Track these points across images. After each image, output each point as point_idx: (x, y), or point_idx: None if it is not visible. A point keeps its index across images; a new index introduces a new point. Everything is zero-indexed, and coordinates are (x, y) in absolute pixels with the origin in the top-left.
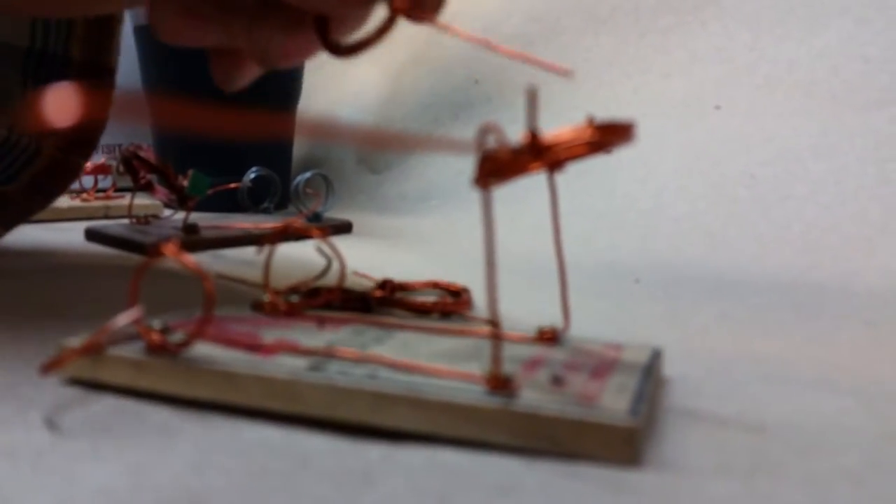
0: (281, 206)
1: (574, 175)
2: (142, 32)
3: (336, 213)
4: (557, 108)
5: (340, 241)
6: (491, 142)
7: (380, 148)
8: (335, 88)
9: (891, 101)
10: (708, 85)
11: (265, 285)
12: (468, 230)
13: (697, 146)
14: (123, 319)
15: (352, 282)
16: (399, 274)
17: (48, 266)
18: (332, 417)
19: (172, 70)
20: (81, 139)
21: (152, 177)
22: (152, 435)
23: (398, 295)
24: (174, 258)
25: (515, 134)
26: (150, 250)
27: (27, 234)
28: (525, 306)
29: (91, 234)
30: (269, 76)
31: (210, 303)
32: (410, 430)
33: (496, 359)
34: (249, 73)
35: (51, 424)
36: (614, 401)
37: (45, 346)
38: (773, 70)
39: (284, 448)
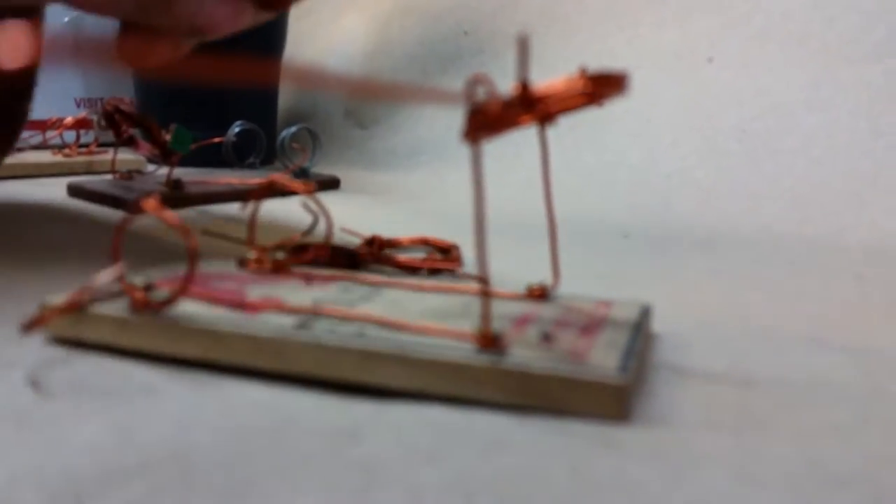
0: (266, 161)
1: (565, 130)
2: None
3: (323, 169)
4: (549, 61)
5: (328, 198)
6: (480, 94)
7: (367, 97)
8: (321, 37)
9: (886, 54)
10: (701, 36)
11: (250, 242)
12: (458, 186)
13: (689, 100)
14: (106, 277)
15: (339, 238)
16: (388, 230)
17: (30, 222)
18: (319, 375)
19: (166, 88)
20: (20, 84)
21: (135, 131)
22: (137, 394)
23: (386, 252)
24: (156, 215)
25: (506, 87)
26: (132, 206)
27: (8, 190)
28: (515, 262)
29: (74, 190)
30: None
31: (193, 259)
32: (399, 387)
33: (485, 316)
34: (161, 52)
35: (33, 384)
36: (603, 357)
37: (26, 305)
38: (767, 21)
39: (271, 406)
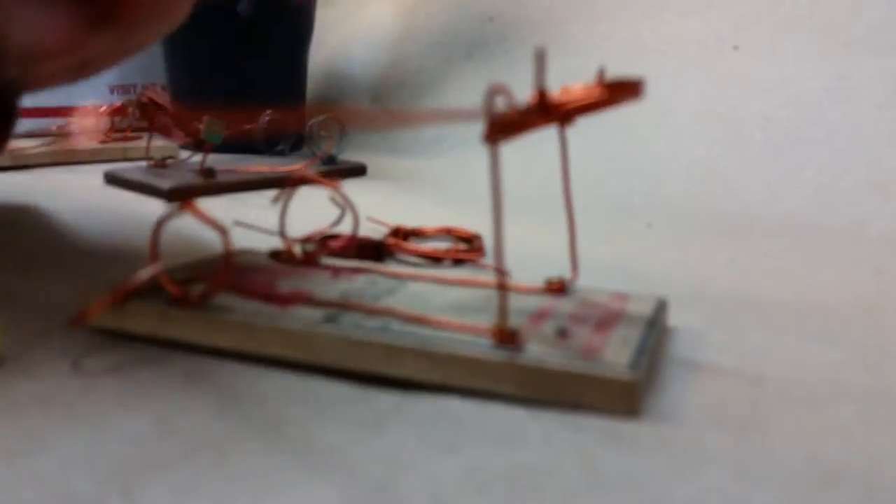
0: (295, 147)
1: (588, 118)
2: (169, 42)
3: (350, 155)
4: (575, 48)
5: (354, 184)
6: (499, 104)
7: (390, 126)
8: (348, 24)
9: None
10: (726, 24)
11: (281, 234)
12: (481, 172)
13: (714, 89)
14: (145, 274)
15: (365, 227)
16: (412, 219)
17: (70, 210)
18: (346, 367)
19: (198, 76)
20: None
21: (168, 120)
22: (176, 383)
23: (411, 241)
24: (194, 214)
25: (528, 75)
26: (170, 197)
27: (48, 178)
28: (537, 252)
29: (110, 178)
30: (278, 9)
31: (229, 257)
32: (420, 380)
33: (502, 312)
34: None
35: (78, 370)
36: (616, 354)
37: (73, 293)
38: (793, 9)
39: (301, 396)
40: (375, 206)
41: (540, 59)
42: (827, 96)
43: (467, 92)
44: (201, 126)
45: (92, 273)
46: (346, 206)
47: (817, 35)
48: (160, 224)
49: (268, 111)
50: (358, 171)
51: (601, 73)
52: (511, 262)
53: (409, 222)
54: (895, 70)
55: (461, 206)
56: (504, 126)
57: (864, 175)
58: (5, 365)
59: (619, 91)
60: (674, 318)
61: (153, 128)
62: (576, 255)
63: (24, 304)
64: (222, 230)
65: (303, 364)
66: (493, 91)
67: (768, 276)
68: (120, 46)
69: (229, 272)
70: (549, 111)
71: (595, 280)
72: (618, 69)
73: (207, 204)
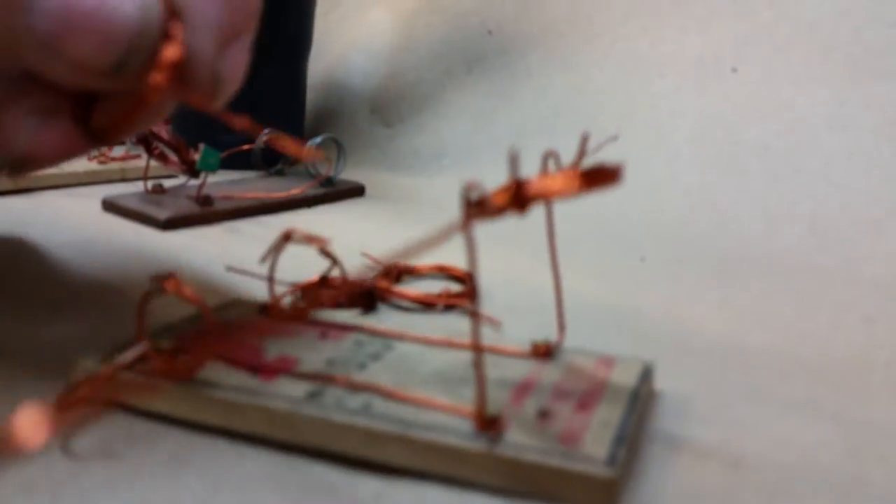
0: (294, 164)
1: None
2: None
3: (349, 169)
4: (574, 64)
5: (352, 207)
6: (475, 194)
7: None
8: (347, 31)
9: None
10: (726, 43)
11: (270, 292)
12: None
13: (712, 111)
14: (131, 354)
15: (360, 263)
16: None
17: (69, 242)
18: (329, 449)
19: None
20: None
21: (165, 149)
22: (162, 465)
23: (405, 279)
24: (176, 294)
25: (527, 90)
26: (151, 282)
27: (48, 203)
28: (532, 286)
29: (108, 206)
30: (277, 22)
31: (213, 332)
32: (402, 466)
33: (481, 399)
34: None
35: (66, 450)
36: (595, 442)
37: (66, 346)
38: (793, 30)
39: (283, 481)
40: (371, 234)
41: (513, 160)
42: (825, 124)
43: (467, 106)
44: (197, 155)
45: (90, 318)
46: (333, 261)
47: (817, 57)
48: (143, 302)
49: (266, 130)
50: (356, 191)
51: (583, 147)
52: (505, 298)
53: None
54: (892, 97)
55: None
56: (481, 213)
57: (859, 211)
58: None
59: (598, 180)
60: (660, 380)
61: (150, 155)
62: (562, 317)
63: (16, 360)
64: (206, 310)
65: (287, 444)
66: (469, 187)
67: (758, 323)
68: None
69: (213, 349)
70: (524, 202)
71: (584, 326)
72: (616, 88)
73: (203, 233)
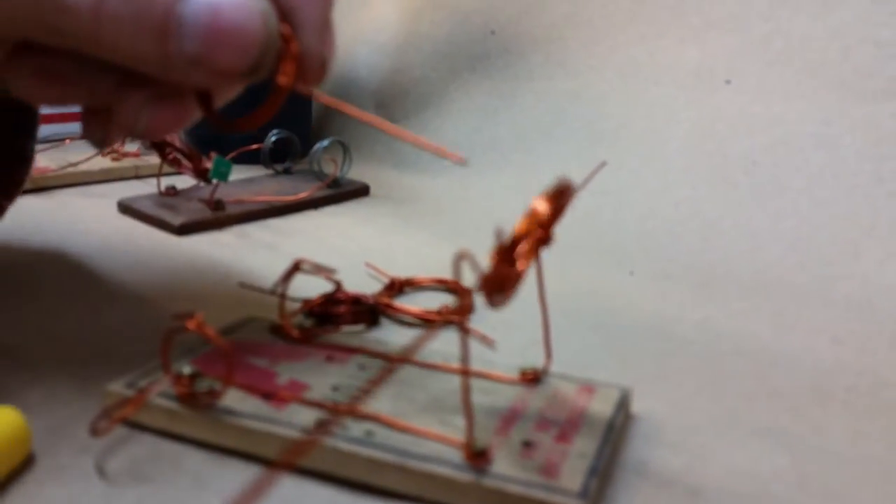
0: (302, 158)
1: (585, 144)
2: None
3: (354, 167)
4: (573, 68)
5: (357, 209)
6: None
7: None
8: (352, 24)
9: None
10: (721, 55)
11: (281, 315)
12: (481, 196)
13: (704, 123)
14: (156, 388)
15: (364, 274)
16: (410, 253)
17: (90, 247)
18: (335, 474)
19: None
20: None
21: (178, 155)
22: (186, 485)
23: (406, 292)
24: (198, 332)
25: (528, 92)
26: (174, 320)
27: (65, 203)
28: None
29: (123, 208)
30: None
31: (229, 372)
32: (400, 492)
33: (469, 437)
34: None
35: (102, 472)
36: (571, 475)
37: (94, 364)
38: (785, 45)
39: (294, 502)
40: (375, 240)
41: (498, 235)
42: (811, 141)
43: (470, 104)
44: (209, 164)
45: (115, 332)
46: (338, 287)
47: (807, 74)
48: (168, 338)
49: (274, 130)
50: (361, 192)
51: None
52: (500, 313)
53: (407, 260)
54: (878, 118)
55: (459, 234)
56: (498, 285)
57: (838, 230)
58: (34, 466)
59: (560, 200)
60: (637, 402)
61: (164, 161)
62: (549, 344)
63: (49, 380)
64: (226, 350)
65: (298, 468)
66: (459, 257)
67: (735, 346)
68: None
69: (231, 375)
70: (513, 259)
71: (573, 344)
72: (614, 94)
73: (216, 238)
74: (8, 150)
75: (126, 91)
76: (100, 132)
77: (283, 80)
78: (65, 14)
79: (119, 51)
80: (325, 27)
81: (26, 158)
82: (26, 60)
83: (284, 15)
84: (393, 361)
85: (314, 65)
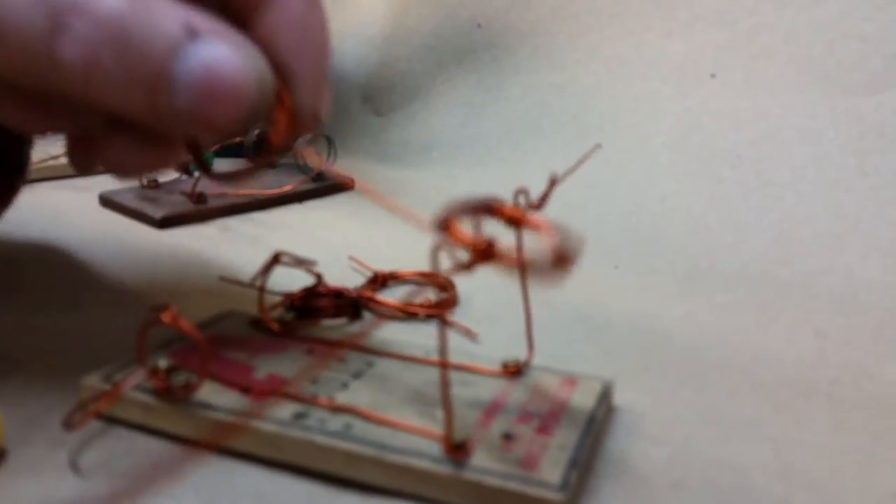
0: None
1: (573, 136)
2: None
3: (340, 158)
4: (559, 61)
5: (341, 200)
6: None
7: None
8: (339, 19)
9: (881, 88)
10: (707, 49)
11: (260, 309)
12: (467, 190)
13: (690, 117)
14: (132, 381)
15: (347, 267)
16: (395, 246)
17: (71, 240)
18: (312, 468)
19: None
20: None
21: None
22: (160, 480)
23: (389, 285)
24: (173, 325)
25: (515, 85)
26: (149, 312)
27: (47, 196)
28: (507, 299)
29: (105, 201)
30: None
31: (204, 365)
32: (379, 485)
33: (448, 426)
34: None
35: (75, 467)
36: (551, 467)
37: (71, 355)
38: (771, 40)
39: (270, 497)
40: (359, 233)
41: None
42: (796, 136)
43: (457, 98)
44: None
45: (93, 325)
46: (319, 280)
47: (792, 68)
48: (143, 330)
49: (257, 125)
50: (346, 186)
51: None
52: (483, 306)
53: (391, 254)
54: (861, 112)
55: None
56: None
57: (822, 224)
58: (7, 459)
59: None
60: (620, 395)
61: None
62: (531, 337)
63: (25, 373)
64: (201, 342)
65: (275, 461)
66: (436, 247)
67: (718, 339)
68: None
69: (208, 368)
70: (489, 255)
71: (556, 337)
72: (600, 88)
73: (198, 231)
74: (7, 157)
75: (113, 131)
76: (84, 161)
77: (275, 138)
78: (57, 70)
79: (109, 103)
80: (320, 82)
81: (23, 164)
82: (10, 91)
83: (279, 70)
84: (373, 353)
85: (306, 119)
